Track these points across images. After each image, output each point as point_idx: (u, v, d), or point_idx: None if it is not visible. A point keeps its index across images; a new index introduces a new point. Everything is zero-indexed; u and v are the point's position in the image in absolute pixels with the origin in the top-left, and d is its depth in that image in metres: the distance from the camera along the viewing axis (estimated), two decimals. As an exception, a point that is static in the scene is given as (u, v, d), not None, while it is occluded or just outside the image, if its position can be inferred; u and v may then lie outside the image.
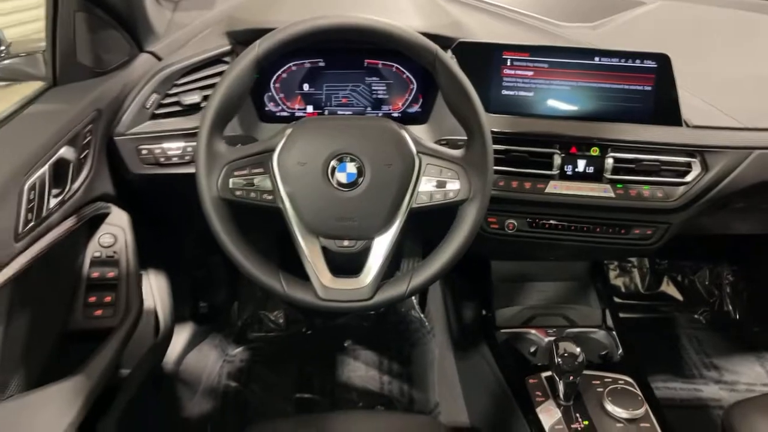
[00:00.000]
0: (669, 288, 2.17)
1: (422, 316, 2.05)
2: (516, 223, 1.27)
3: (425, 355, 1.91)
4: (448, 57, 0.97)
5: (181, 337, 1.75)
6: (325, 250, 0.96)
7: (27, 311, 0.99)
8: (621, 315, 1.56)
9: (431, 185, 0.96)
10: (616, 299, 2.13)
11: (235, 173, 0.94)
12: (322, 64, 1.24)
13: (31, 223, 0.89)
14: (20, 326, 0.98)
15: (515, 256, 1.58)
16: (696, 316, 2.14)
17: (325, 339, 1.98)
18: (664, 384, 1.85)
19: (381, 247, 0.96)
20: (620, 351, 1.43)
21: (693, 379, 1.88)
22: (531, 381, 1.29)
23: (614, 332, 1.48)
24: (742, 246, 2.00)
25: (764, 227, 1.54)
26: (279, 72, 1.24)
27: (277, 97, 1.26)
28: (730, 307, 2.13)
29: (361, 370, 1.88)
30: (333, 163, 0.95)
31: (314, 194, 0.94)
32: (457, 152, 0.99)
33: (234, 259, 0.95)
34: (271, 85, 1.25)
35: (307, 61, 1.23)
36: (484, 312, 1.57)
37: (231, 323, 1.99)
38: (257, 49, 0.94)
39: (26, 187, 0.87)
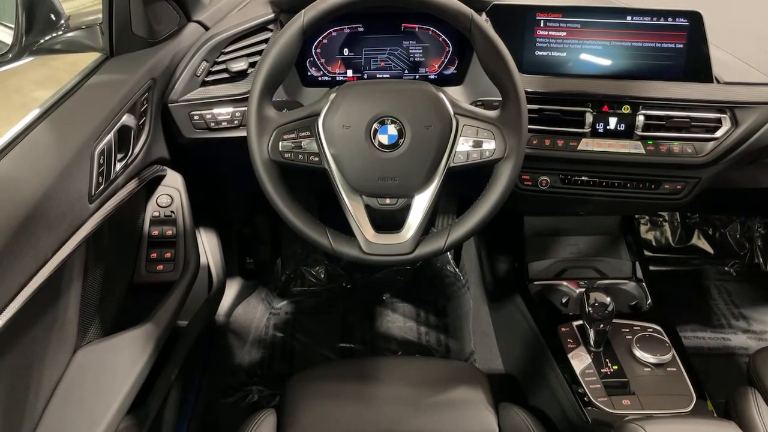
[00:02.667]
0: (700, 241, 2.20)
1: (457, 270, 2.12)
2: (549, 180, 1.32)
3: (460, 307, 1.99)
4: (483, 20, 1.01)
5: (230, 291, 1.86)
6: (368, 208, 1.02)
7: (100, 267, 1.09)
8: (652, 268, 1.60)
9: (468, 145, 1.01)
10: (648, 252, 2.17)
11: (284, 137, 1.00)
12: (361, 29, 1.29)
13: (102, 186, 0.97)
14: (95, 280, 1.07)
15: (548, 212, 1.63)
16: (726, 268, 2.17)
17: (364, 293, 2.07)
18: (693, 333, 1.89)
19: (421, 204, 1.02)
20: (649, 301, 1.49)
21: (721, 329, 1.92)
22: (563, 329, 1.36)
23: (644, 283, 1.53)
24: None
25: None
26: (320, 38, 1.29)
27: (318, 62, 1.31)
28: (761, 260, 2.15)
29: (399, 321, 1.96)
30: (375, 125, 1.00)
31: (358, 155, 1.00)
32: (492, 113, 1.04)
33: (285, 218, 1.01)
34: (313, 51, 1.30)
35: (346, 26, 1.28)
36: (517, 265, 1.63)
37: (275, 278, 2.09)
38: (303, 18, 0.99)
39: (96, 152, 0.95)
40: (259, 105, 1.00)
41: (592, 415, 1.18)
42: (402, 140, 1.00)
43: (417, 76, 1.32)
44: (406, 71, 1.32)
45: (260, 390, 1.69)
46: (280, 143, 1.00)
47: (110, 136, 1.00)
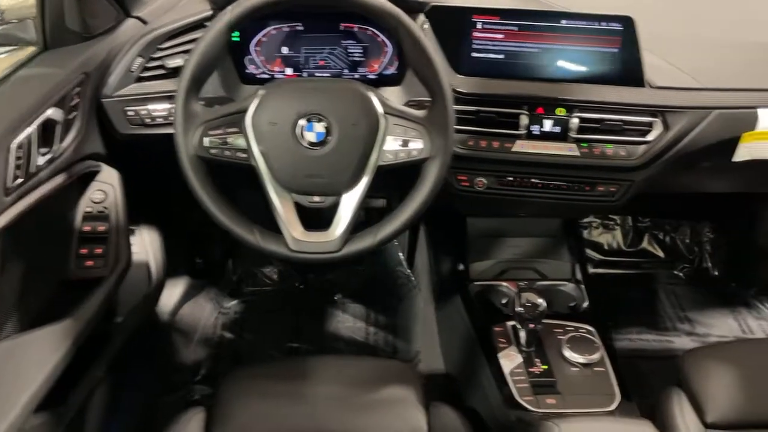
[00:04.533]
0: (650, 245, 2.23)
1: (409, 271, 2.13)
2: (485, 181, 1.33)
3: (410, 308, 1.99)
4: (411, 21, 1.01)
5: (177, 289, 1.84)
6: (298, 206, 1.03)
7: (21, 260, 1.07)
8: (602, 271, 1.62)
9: (396, 144, 1.02)
10: (599, 256, 2.19)
11: (210, 132, 1.00)
12: (300, 27, 1.29)
13: (20, 179, 0.96)
14: (14, 274, 1.06)
15: (487, 213, 1.64)
16: (676, 272, 2.19)
17: (317, 293, 2.06)
18: (638, 336, 1.91)
19: (349, 202, 1.02)
20: (586, 303, 1.50)
21: (666, 332, 1.94)
22: (496, 329, 1.37)
23: (583, 285, 1.55)
24: (722, 204, 2.04)
25: (738, 185, 1.58)
26: (259, 35, 1.29)
27: (257, 60, 1.31)
28: (709, 264, 2.18)
29: (349, 321, 1.96)
30: (301, 122, 1.00)
31: (285, 152, 1.00)
32: (420, 113, 1.04)
33: (210, 213, 1.02)
34: (252, 48, 1.30)
35: (285, 24, 1.28)
36: (461, 266, 1.64)
37: (226, 278, 2.08)
38: (229, 14, 0.99)
39: (14, 146, 0.94)
40: (185, 100, 1.00)
41: (516, 414, 1.19)
42: (330, 138, 1.00)
43: (356, 76, 1.33)
44: (346, 70, 1.32)
45: (202, 389, 1.68)
46: (206, 138, 1.00)
47: (30, 129, 0.98)
